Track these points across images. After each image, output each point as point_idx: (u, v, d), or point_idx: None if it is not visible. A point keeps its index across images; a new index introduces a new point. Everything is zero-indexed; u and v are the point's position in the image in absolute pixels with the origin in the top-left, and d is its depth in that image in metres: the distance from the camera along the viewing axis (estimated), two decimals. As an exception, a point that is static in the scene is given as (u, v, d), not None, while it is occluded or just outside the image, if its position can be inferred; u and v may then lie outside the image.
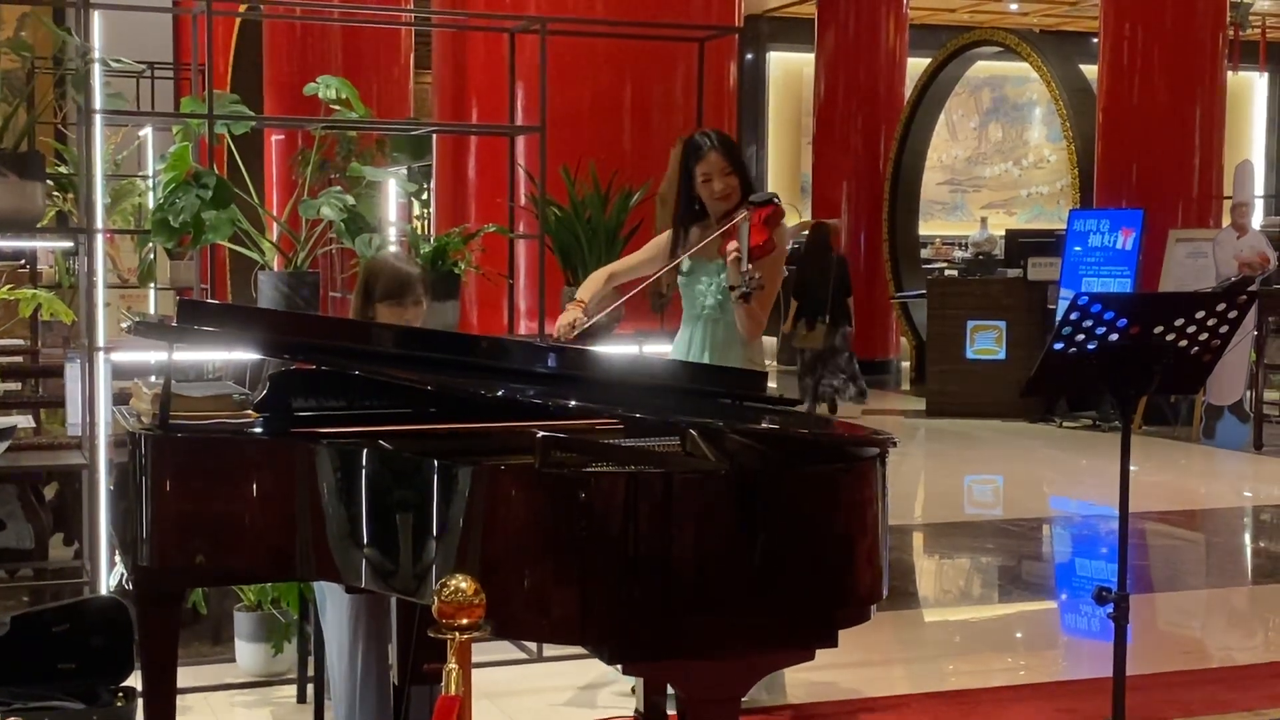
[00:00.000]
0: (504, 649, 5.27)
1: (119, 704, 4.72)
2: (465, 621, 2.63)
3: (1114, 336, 3.82)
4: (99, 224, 5.05)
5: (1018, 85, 22.41)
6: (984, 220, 18.61)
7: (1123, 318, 3.78)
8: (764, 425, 3.60)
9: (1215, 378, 11.33)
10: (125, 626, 4.89)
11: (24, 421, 5.56)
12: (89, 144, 4.99)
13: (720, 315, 4.80)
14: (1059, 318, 3.78)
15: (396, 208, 8.64)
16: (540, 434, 3.36)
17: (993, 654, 5.93)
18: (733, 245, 4.59)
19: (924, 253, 17.61)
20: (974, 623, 6.67)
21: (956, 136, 22.35)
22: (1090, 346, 3.82)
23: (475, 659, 5.12)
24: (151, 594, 3.85)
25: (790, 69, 21.66)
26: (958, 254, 18.62)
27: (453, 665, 2.60)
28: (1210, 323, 3.87)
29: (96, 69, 5.02)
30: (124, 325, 4.68)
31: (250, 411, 3.82)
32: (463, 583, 2.65)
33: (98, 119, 5.04)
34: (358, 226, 5.13)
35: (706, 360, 4.76)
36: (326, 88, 5.33)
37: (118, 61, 5.12)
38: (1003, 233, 15.15)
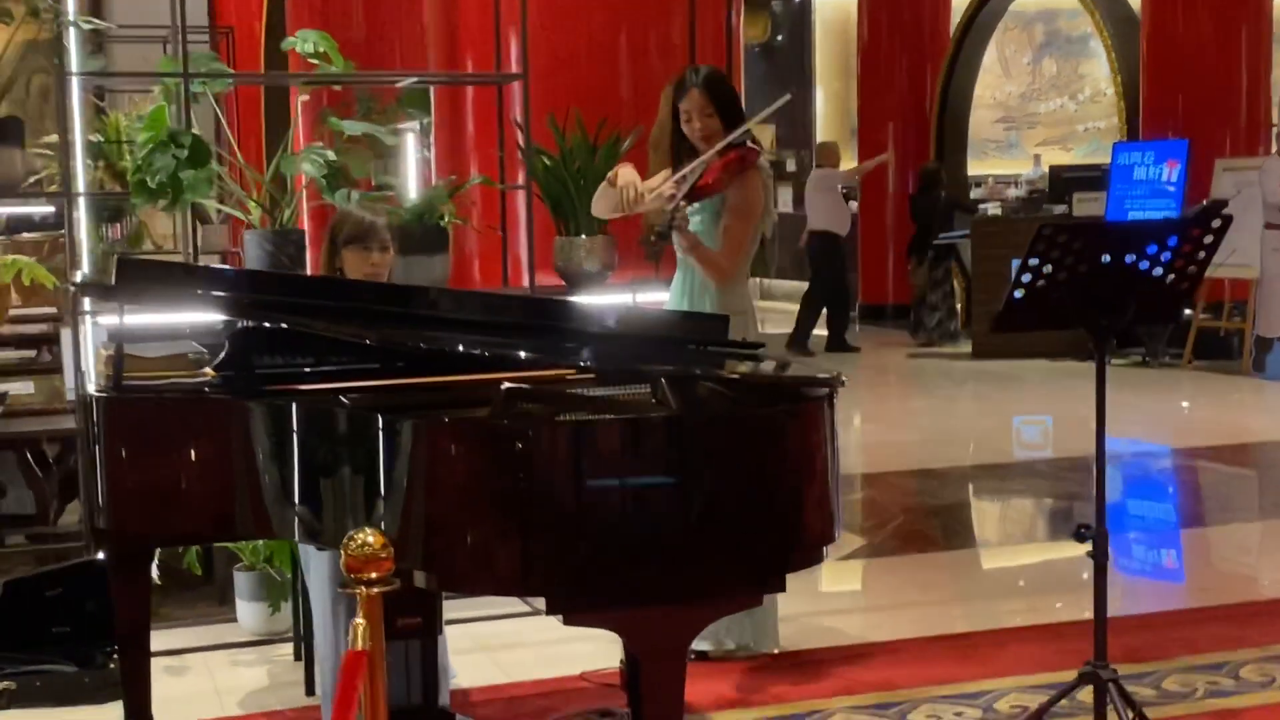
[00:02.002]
0: (502, 602, 5.24)
1: (111, 666, 4.75)
2: (374, 575, 2.60)
3: (1084, 267, 3.70)
4: (80, 187, 5.04)
5: (1071, 18, 21.92)
6: (1037, 158, 18.35)
7: (1091, 247, 3.67)
8: (702, 369, 3.53)
9: (1265, 309, 11.12)
10: (118, 589, 4.93)
11: (25, 388, 5.58)
12: (65, 108, 4.98)
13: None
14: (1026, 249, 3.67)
15: (415, 164, 8.60)
16: (504, 385, 3.32)
17: (1035, 595, 5.81)
18: (667, 186, 4.57)
19: (977, 192, 17.35)
20: (1027, 565, 6.54)
21: (1009, 73, 21.92)
22: (1060, 277, 3.71)
23: (474, 613, 5.15)
24: (115, 555, 3.85)
25: (838, 9, 21.34)
26: (1011, 192, 18.35)
27: (360, 620, 2.56)
28: (1186, 249, 3.74)
29: (72, 32, 5.01)
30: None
31: (209, 370, 3.79)
32: (370, 537, 2.61)
33: (74, 81, 5.03)
34: (338, 183, 5.08)
35: (687, 303, 4.74)
36: (304, 42, 5.28)
37: (88, 23, 5.09)
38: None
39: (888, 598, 5.71)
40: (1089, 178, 13.18)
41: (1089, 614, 5.26)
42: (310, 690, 4.61)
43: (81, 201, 5.02)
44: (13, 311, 7.32)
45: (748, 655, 4.86)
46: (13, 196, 5.05)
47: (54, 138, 9.31)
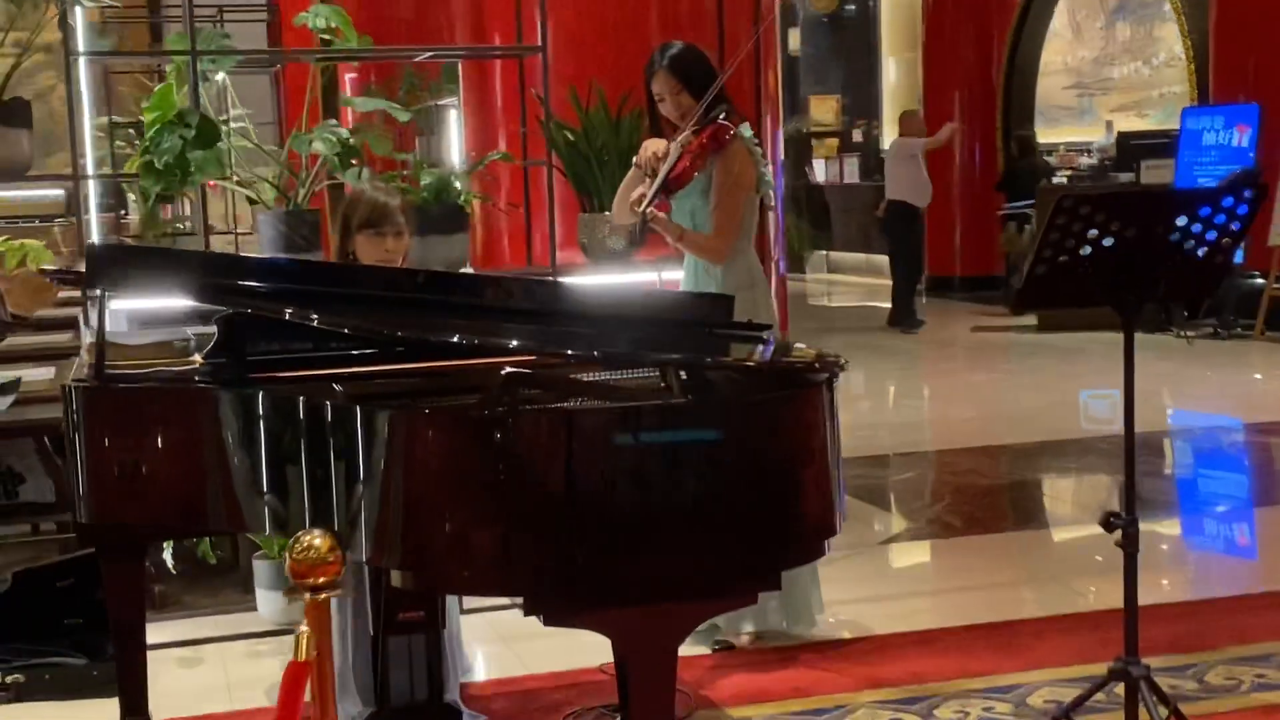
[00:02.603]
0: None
1: (121, 658, 4.66)
2: (321, 580, 2.45)
3: (1109, 241, 3.49)
4: (89, 169, 4.94)
5: (1146, -19, 21.45)
6: (1109, 124, 17.93)
7: (1115, 219, 3.46)
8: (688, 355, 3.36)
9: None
10: (130, 579, 4.83)
11: (45, 373, 5.48)
12: (72, 87, 4.87)
13: None
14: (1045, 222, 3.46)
15: (459, 140, 8.45)
16: (505, 370, 3.17)
17: (1088, 579, 5.52)
18: (637, 191, 4.46)
19: (1049, 160, 16.98)
20: (1082, 548, 6.20)
21: (1081, 37, 21.43)
22: (1084, 252, 3.50)
23: (493, 602, 5.00)
24: (106, 549, 3.73)
25: (906, -23, 20.99)
26: (1083, 160, 17.94)
27: (304, 628, 2.41)
28: (1219, 220, 3.52)
29: (79, 11, 4.90)
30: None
31: (197, 357, 3.66)
32: (316, 539, 2.47)
33: (81, 62, 4.92)
34: (349, 160, 4.95)
35: (694, 283, 4.64)
36: (316, 17, 5.13)
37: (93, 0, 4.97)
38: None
39: (929, 584, 5.52)
40: (1158, 144, 12.81)
41: (1143, 600, 4.98)
42: (321, 683, 4.49)
43: (92, 185, 4.92)
44: (62, 294, 7.27)
45: (787, 643, 4.73)
46: (20, 180, 4.93)
47: (102, 119, 9.21)
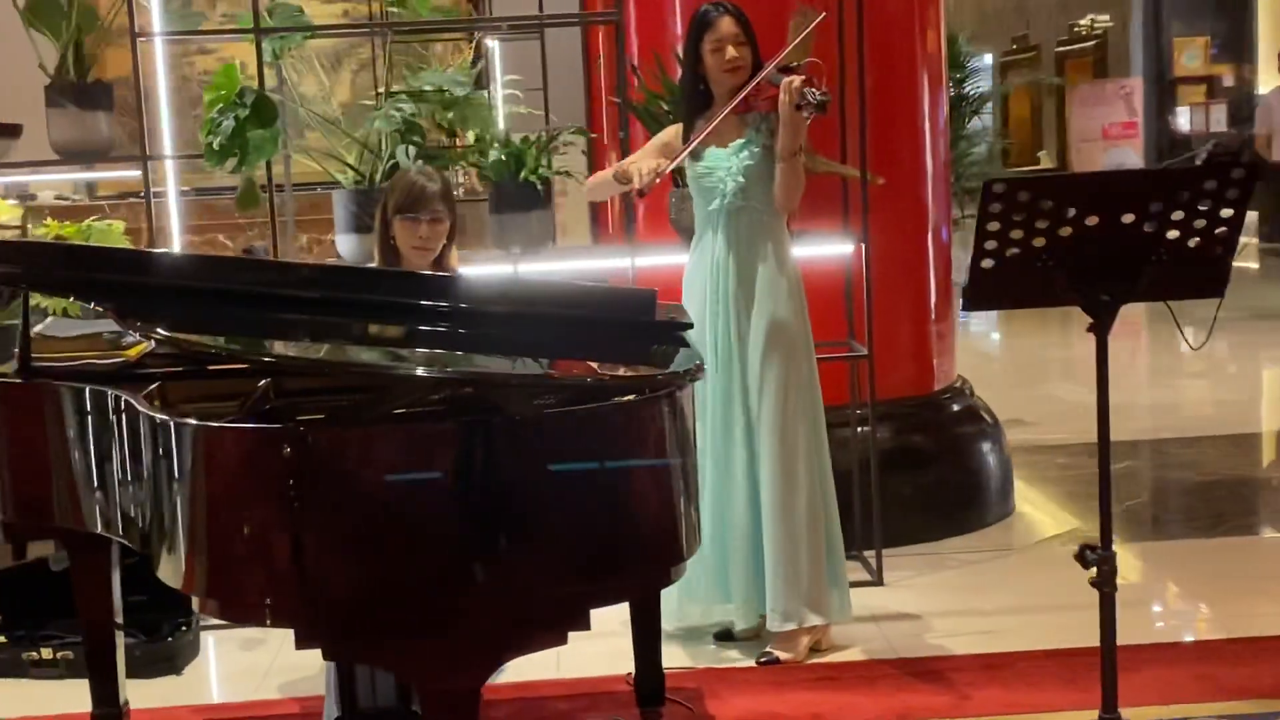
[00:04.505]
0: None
1: (170, 639, 4.68)
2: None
3: (1066, 230, 2.97)
4: (167, 149, 4.98)
5: None
6: None
7: (1068, 206, 2.94)
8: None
9: None
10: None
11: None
12: (138, 66, 4.87)
13: (743, 202, 4.30)
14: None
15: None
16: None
17: (1253, 595, 4.86)
18: (796, 77, 4.10)
19: None
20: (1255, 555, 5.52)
21: None
22: (1038, 244, 3.00)
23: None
24: (69, 543, 3.70)
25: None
26: None
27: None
28: (1203, 206, 2.95)
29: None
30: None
31: (130, 351, 3.59)
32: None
33: (159, 43, 4.95)
34: (411, 138, 4.80)
35: (733, 262, 4.28)
36: (387, -10, 5.00)
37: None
38: None
39: (1072, 596, 4.95)
40: None
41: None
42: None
43: (169, 165, 4.95)
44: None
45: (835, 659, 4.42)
46: (100, 161, 5.00)
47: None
